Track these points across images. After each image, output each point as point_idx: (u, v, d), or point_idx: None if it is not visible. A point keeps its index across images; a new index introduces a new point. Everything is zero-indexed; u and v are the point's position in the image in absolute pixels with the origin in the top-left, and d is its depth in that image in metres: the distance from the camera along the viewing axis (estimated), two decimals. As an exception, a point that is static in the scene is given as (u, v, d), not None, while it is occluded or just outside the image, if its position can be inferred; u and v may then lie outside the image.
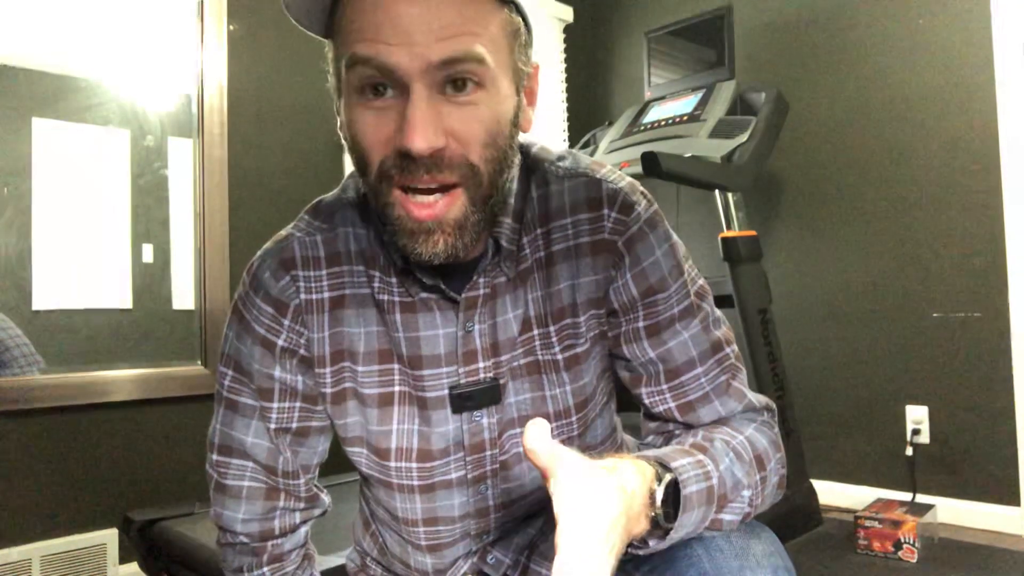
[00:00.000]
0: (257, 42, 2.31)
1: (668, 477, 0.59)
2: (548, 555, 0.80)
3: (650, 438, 0.77)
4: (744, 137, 2.25)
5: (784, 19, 2.75)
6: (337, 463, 0.86)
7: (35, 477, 1.86)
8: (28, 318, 1.89)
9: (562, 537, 0.48)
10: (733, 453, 0.67)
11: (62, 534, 1.87)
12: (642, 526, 0.56)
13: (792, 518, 2.19)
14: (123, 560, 1.94)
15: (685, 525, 0.60)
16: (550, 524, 0.80)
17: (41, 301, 1.92)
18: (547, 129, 3.15)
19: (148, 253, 2.11)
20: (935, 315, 2.38)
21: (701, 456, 0.64)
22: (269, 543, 0.79)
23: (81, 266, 1.99)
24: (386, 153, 0.60)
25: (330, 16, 0.63)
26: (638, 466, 0.57)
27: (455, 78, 0.59)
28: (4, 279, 1.86)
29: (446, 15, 0.57)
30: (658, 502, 0.57)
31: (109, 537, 1.93)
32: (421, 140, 0.57)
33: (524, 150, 0.76)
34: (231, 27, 2.25)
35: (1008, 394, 2.23)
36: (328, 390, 0.75)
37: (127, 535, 1.72)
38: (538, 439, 0.51)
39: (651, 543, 0.59)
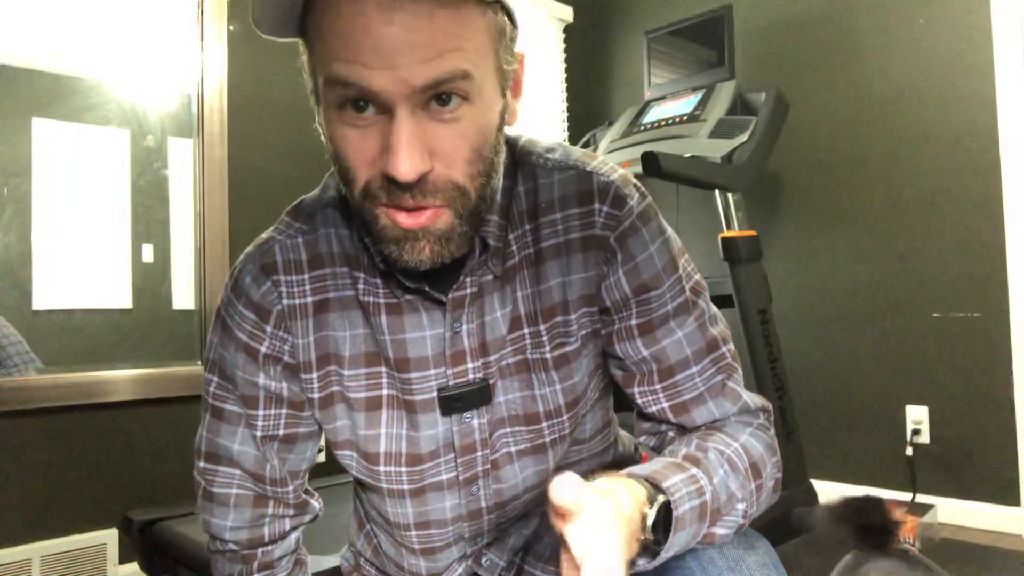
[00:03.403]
0: (257, 42, 2.31)
1: (660, 500, 0.58)
2: (542, 556, 0.80)
3: (643, 438, 0.76)
4: (744, 137, 2.25)
5: (784, 19, 2.74)
6: (333, 465, 0.86)
7: (35, 477, 1.86)
8: (28, 318, 1.89)
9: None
10: (728, 464, 0.65)
11: (62, 534, 1.88)
12: (633, 549, 0.54)
13: (792, 518, 2.18)
14: (123, 560, 1.94)
15: (675, 545, 0.59)
16: (544, 526, 0.80)
17: (41, 301, 1.92)
18: (547, 129, 3.14)
19: (148, 253, 2.11)
20: (935, 315, 2.37)
21: (695, 471, 0.62)
22: (259, 550, 0.78)
23: (81, 266, 1.99)
24: (371, 174, 0.58)
25: (302, 14, 0.59)
26: (631, 488, 0.56)
27: (440, 94, 0.56)
28: (4, 279, 1.87)
29: (428, 34, 0.54)
30: (649, 524, 0.56)
31: (109, 537, 1.93)
32: (407, 167, 0.55)
33: (511, 143, 0.72)
34: (231, 27, 2.25)
35: (1008, 394, 2.23)
36: (315, 395, 0.74)
37: (127, 535, 1.72)
38: (566, 498, 0.47)
39: (640, 562, 0.58)
